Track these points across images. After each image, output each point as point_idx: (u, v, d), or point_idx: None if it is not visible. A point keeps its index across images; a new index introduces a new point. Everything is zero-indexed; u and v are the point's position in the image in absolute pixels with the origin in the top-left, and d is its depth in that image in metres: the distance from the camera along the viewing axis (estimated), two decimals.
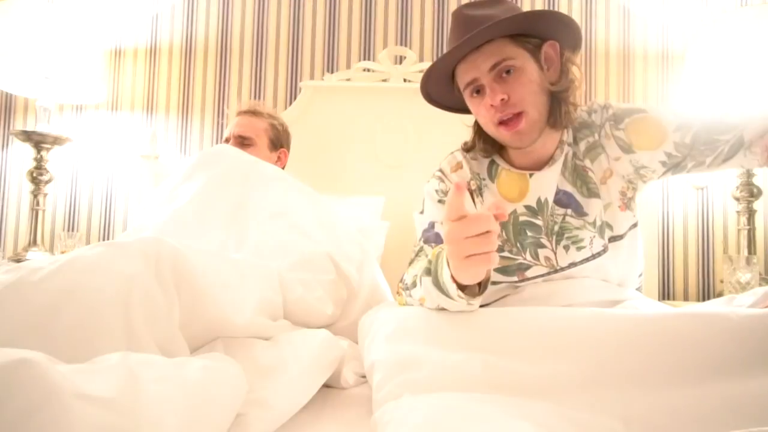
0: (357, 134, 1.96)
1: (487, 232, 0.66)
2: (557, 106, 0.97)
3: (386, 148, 1.94)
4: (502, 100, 0.92)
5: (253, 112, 1.57)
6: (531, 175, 1.02)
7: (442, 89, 1.05)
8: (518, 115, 0.93)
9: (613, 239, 1.03)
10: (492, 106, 0.93)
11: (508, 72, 0.93)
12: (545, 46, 0.96)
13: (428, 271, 0.80)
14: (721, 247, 1.95)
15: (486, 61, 0.93)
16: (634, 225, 1.05)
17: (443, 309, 0.81)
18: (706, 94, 1.73)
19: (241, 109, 1.60)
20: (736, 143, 0.92)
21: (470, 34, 0.89)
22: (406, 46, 2.07)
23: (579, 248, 1.00)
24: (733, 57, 1.66)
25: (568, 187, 1.01)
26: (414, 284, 0.88)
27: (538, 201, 1.01)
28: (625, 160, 1.00)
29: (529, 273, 1.03)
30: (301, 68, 2.10)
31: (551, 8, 2.04)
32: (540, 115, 0.95)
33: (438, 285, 0.77)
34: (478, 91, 0.97)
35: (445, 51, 0.94)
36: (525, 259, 1.02)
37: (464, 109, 1.06)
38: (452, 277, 0.74)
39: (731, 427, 0.53)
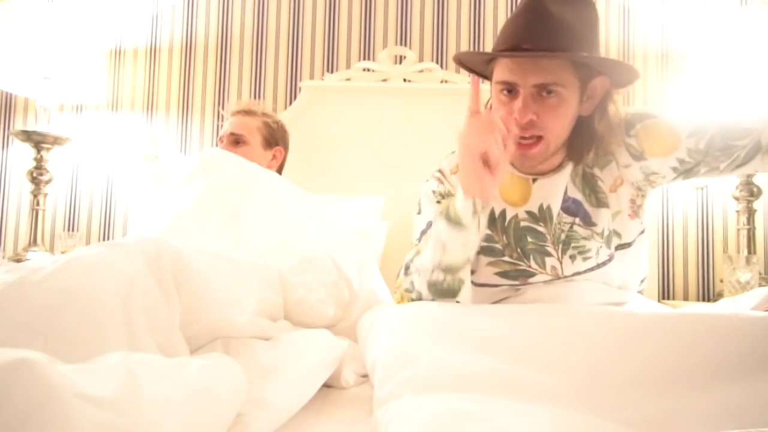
0: (357, 134, 1.95)
1: (493, 128, 0.82)
2: (576, 136, 0.94)
3: (386, 148, 1.94)
4: (530, 119, 0.87)
5: (247, 112, 1.57)
6: (534, 180, 0.99)
7: (475, 56, 1.00)
8: (537, 140, 0.90)
9: (621, 247, 1.00)
10: (515, 118, 0.88)
11: (549, 92, 0.87)
12: (597, 80, 0.91)
13: (439, 214, 0.87)
14: (721, 246, 1.95)
15: (537, 76, 0.86)
16: (642, 231, 1.03)
17: (446, 271, 0.86)
18: (705, 93, 1.73)
19: (235, 109, 1.61)
20: (753, 148, 0.89)
21: (540, 53, 0.84)
22: (406, 46, 2.07)
23: (585, 258, 0.98)
24: (732, 57, 1.66)
25: (578, 195, 0.98)
26: (418, 253, 0.92)
27: (540, 208, 0.98)
28: (636, 167, 0.97)
29: (532, 279, 1.01)
30: (300, 68, 2.10)
31: None
32: (556, 147, 0.93)
33: (449, 217, 0.85)
34: (510, 91, 0.90)
35: (503, 27, 0.90)
36: (530, 266, 1.00)
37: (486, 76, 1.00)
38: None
39: (733, 429, 0.52)
